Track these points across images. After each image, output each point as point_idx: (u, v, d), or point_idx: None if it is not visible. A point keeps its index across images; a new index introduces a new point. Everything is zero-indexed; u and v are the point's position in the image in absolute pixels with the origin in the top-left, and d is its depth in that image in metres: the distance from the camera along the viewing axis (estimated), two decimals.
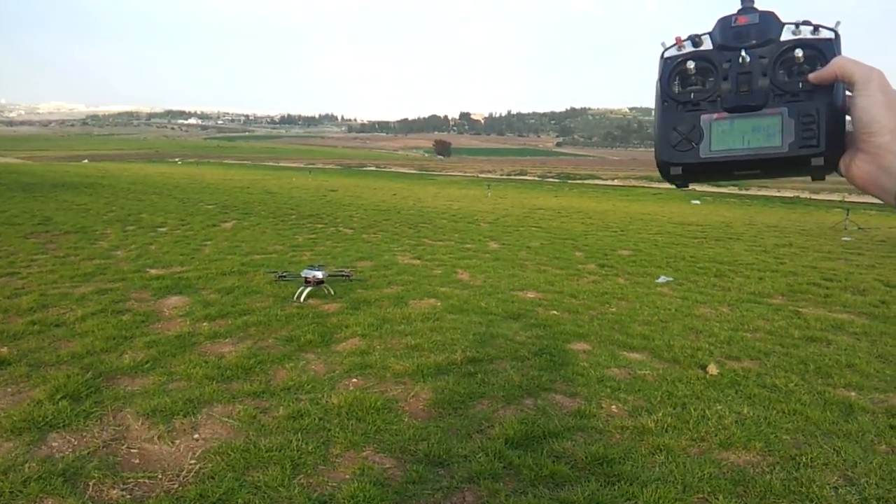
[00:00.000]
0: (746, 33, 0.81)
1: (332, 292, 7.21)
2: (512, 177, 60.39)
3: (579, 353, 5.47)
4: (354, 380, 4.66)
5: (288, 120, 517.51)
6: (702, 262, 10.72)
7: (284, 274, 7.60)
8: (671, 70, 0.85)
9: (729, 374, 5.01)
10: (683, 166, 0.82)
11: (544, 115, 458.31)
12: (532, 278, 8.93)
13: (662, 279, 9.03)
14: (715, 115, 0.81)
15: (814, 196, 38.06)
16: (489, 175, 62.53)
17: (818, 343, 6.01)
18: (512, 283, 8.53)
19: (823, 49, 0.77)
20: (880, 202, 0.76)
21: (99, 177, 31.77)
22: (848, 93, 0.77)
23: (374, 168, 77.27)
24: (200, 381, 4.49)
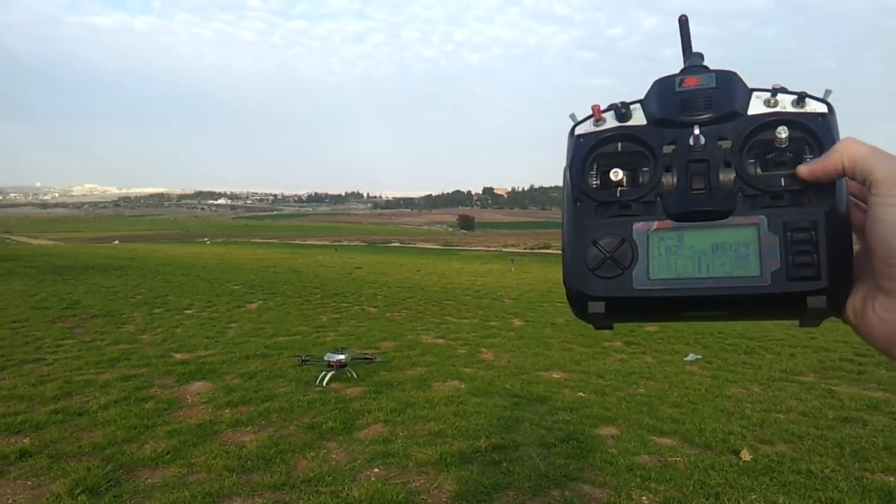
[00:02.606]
0: (698, 102, 0.57)
1: (356, 375, 7.16)
2: (535, 250, 60.50)
3: (607, 438, 5.33)
4: (376, 470, 4.56)
5: (315, 198, 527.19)
6: (730, 337, 10.50)
7: (307, 358, 7.57)
8: (585, 155, 0.60)
9: (763, 459, 4.83)
10: (608, 301, 0.56)
11: None
12: (557, 357, 8.81)
13: (691, 357, 8.85)
14: (655, 224, 0.56)
15: None
16: (513, 249, 62.74)
17: (853, 424, 5.80)
18: (537, 363, 8.42)
19: (815, 129, 0.55)
20: None
21: (129, 258, 32.38)
22: (853, 198, 0.55)
23: (398, 244, 78.01)
24: (221, 472, 4.43)
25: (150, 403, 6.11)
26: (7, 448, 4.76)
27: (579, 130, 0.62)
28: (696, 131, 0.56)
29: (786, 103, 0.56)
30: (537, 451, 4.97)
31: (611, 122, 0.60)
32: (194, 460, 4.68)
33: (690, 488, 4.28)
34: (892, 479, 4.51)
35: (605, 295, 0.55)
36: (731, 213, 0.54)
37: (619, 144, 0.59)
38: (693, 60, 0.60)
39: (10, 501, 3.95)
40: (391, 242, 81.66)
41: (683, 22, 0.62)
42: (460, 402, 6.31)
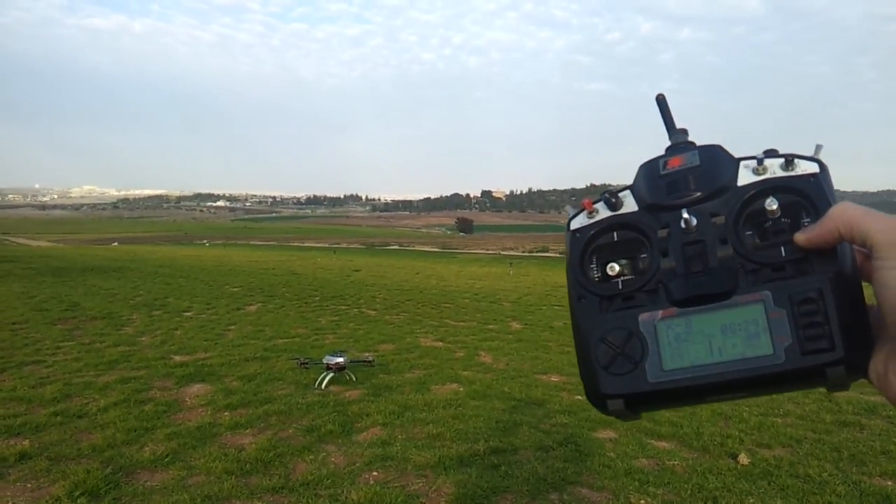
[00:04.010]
0: (684, 183, 0.57)
1: (354, 378, 7.17)
2: (534, 254, 60.51)
3: (606, 441, 5.34)
4: (375, 473, 4.57)
5: (314, 201, 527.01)
6: None
7: (306, 361, 7.59)
8: (583, 249, 0.60)
9: (760, 463, 4.84)
10: (626, 398, 0.55)
11: (565, 191, 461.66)
12: (556, 360, 8.82)
13: None
14: (660, 314, 0.55)
15: None
16: (511, 252, 62.78)
17: (851, 428, 5.82)
18: (535, 366, 8.43)
19: (808, 191, 0.53)
20: None
21: (128, 260, 32.37)
22: (863, 249, 0.52)
23: (397, 246, 77.98)
24: (220, 475, 4.43)
25: (149, 406, 6.11)
26: (6, 450, 4.76)
27: (574, 225, 0.62)
28: (686, 214, 0.55)
29: (775, 168, 0.55)
30: (535, 454, 4.98)
31: (603, 212, 0.61)
32: (193, 463, 4.69)
33: (688, 492, 4.29)
34: (889, 483, 4.53)
35: (622, 392, 0.55)
36: (734, 292, 0.53)
37: (615, 234, 0.59)
38: (677, 137, 0.60)
39: None
40: (390, 245, 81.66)
41: (661, 101, 0.62)
42: (459, 405, 6.32)
